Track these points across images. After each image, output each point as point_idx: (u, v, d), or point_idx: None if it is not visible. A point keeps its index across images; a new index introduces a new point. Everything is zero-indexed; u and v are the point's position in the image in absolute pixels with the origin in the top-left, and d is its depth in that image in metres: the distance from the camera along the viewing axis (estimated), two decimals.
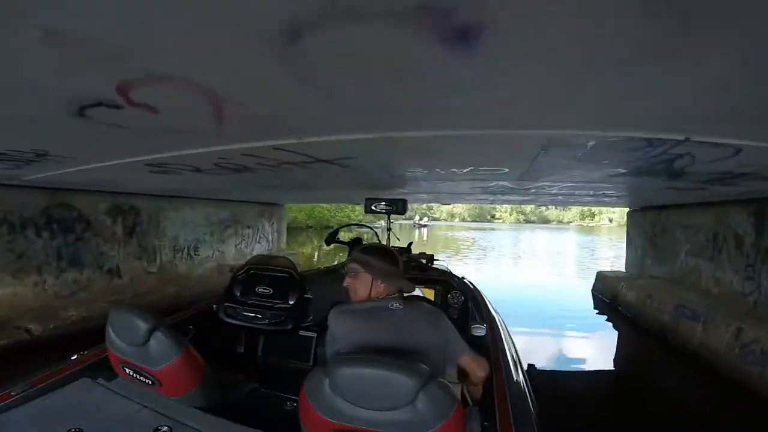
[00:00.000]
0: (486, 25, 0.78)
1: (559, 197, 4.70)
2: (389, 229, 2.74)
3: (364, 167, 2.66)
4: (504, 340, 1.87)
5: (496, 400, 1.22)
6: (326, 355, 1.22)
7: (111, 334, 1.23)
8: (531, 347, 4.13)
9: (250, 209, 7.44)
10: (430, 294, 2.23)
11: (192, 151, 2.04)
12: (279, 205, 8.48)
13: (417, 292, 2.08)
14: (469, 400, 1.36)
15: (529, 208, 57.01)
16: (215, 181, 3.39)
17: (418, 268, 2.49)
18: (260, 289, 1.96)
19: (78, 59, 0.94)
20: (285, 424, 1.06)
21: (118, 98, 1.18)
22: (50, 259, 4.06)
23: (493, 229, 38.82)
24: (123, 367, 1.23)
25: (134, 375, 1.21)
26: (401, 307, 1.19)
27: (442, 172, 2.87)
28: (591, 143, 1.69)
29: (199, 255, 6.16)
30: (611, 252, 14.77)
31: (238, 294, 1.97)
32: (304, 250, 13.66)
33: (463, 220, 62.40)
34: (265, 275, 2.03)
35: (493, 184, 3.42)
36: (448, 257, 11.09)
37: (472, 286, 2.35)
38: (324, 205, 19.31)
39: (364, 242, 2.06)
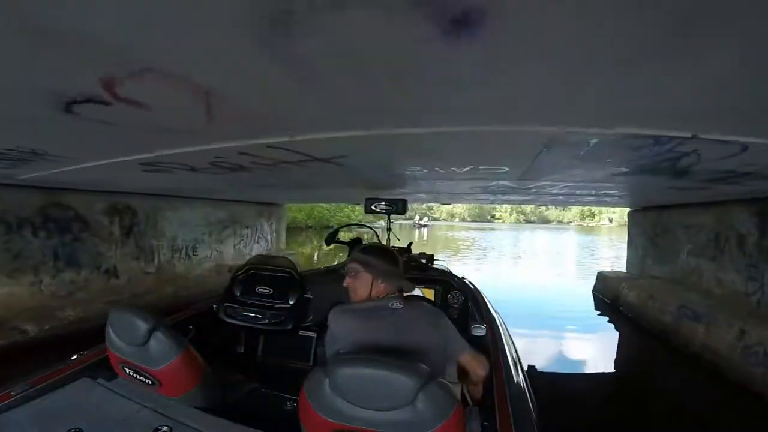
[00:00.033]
0: (487, 9, 0.75)
1: (560, 197, 4.69)
2: (389, 229, 2.74)
3: (360, 166, 2.65)
4: (504, 340, 1.87)
5: (496, 400, 1.22)
6: (326, 354, 1.22)
7: (111, 334, 1.23)
8: (531, 348, 4.12)
9: (248, 209, 7.44)
10: (430, 294, 2.23)
11: (185, 150, 2.03)
12: (278, 205, 8.47)
13: (417, 292, 2.07)
14: (469, 400, 1.36)
15: (529, 208, 57.10)
16: (211, 181, 3.37)
17: (418, 268, 2.49)
18: (260, 289, 1.96)
19: (59, 53, 0.92)
20: (285, 424, 1.06)
21: (105, 94, 1.17)
22: (47, 259, 4.05)
23: (493, 229, 38.84)
24: (123, 367, 1.23)
25: (134, 375, 1.21)
26: (401, 306, 1.19)
27: (442, 171, 2.86)
28: (594, 140, 1.68)
29: (197, 255, 6.15)
30: (611, 252, 14.77)
31: (238, 294, 1.97)
32: (303, 250, 13.66)
33: (463, 220, 62.50)
34: (265, 275, 2.03)
35: (494, 183, 3.42)
36: (448, 257, 11.08)
37: (472, 286, 2.35)
38: (324, 205, 19.34)
39: (364, 242, 2.05)
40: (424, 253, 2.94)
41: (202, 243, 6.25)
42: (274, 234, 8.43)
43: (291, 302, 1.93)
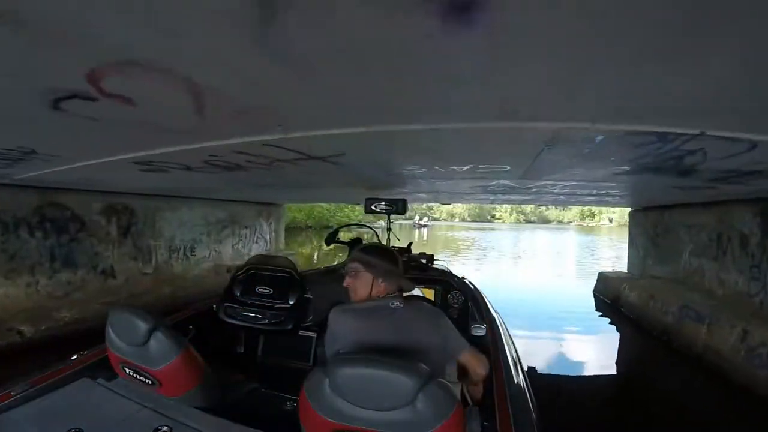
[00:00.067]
0: None
1: (561, 197, 4.68)
2: (389, 229, 2.74)
3: (359, 165, 2.64)
4: (504, 340, 1.87)
5: (496, 400, 1.22)
6: (326, 354, 1.21)
7: (111, 334, 1.23)
8: (532, 349, 4.11)
9: (247, 209, 7.43)
10: (430, 294, 2.22)
11: (178, 148, 2.01)
12: (277, 204, 8.47)
13: (417, 291, 2.07)
14: (469, 400, 1.36)
15: (529, 208, 57.13)
16: (207, 180, 3.36)
17: (418, 268, 2.49)
18: (260, 289, 1.96)
19: (41, 44, 0.91)
20: (285, 424, 1.05)
21: (90, 89, 1.16)
22: (43, 259, 4.03)
23: (493, 229, 38.86)
24: (123, 367, 1.23)
25: (134, 375, 1.21)
26: (401, 306, 1.19)
27: (442, 170, 2.85)
28: (600, 137, 1.67)
29: (195, 255, 6.14)
30: (612, 252, 14.76)
31: (238, 294, 1.97)
32: (303, 250, 13.66)
33: (463, 220, 62.54)
34: (265, 275, 2.03)
35: (494, 183, 3.41)
36: (448, 257, 11.08)
37: (472, 286, 2.35)
38: (323, 204, 19.34)
39: (364, 242, 2.05)
40: (424, 253, 2.93)
41: (200, 243, 6.24)
42: (273, 234, 8.41)
43: (291, 302, 1.92)
